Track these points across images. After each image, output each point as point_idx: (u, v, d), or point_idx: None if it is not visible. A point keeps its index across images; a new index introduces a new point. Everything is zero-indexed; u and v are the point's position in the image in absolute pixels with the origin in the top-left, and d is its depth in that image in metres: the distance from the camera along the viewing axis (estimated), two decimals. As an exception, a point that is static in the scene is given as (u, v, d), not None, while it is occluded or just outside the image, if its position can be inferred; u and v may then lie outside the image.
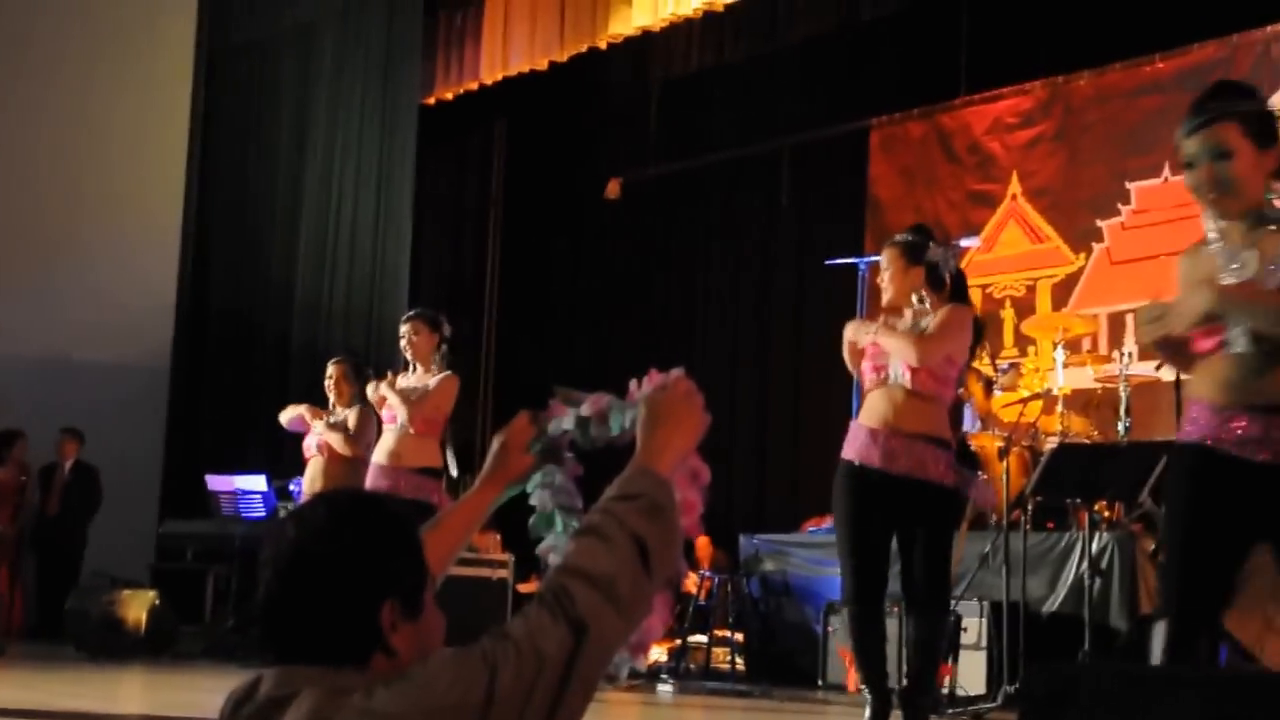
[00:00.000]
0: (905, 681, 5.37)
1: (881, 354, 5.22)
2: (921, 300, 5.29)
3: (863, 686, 5.24)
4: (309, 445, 8.06)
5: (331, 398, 8.07)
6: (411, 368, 7.30)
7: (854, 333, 5.36)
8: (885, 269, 5.37)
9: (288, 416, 8.26)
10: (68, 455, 11.42)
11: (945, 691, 6.43)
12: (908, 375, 5.13)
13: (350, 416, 7.77)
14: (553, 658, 1.77)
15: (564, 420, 2.50)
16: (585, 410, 2.51)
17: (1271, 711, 2.01)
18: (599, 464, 2.67)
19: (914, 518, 5.12)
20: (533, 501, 2.55)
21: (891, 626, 5.49)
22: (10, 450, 11.20)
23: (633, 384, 2.51)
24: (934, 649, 5.26)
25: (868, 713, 5.12)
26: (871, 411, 5.22)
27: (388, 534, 1.89)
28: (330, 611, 1.84)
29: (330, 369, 8.16)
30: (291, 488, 8.89)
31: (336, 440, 7.79)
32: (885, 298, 5.38)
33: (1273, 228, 3.34)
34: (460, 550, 2.48)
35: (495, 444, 2.49)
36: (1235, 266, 3.39)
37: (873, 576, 5.14)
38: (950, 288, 5.33)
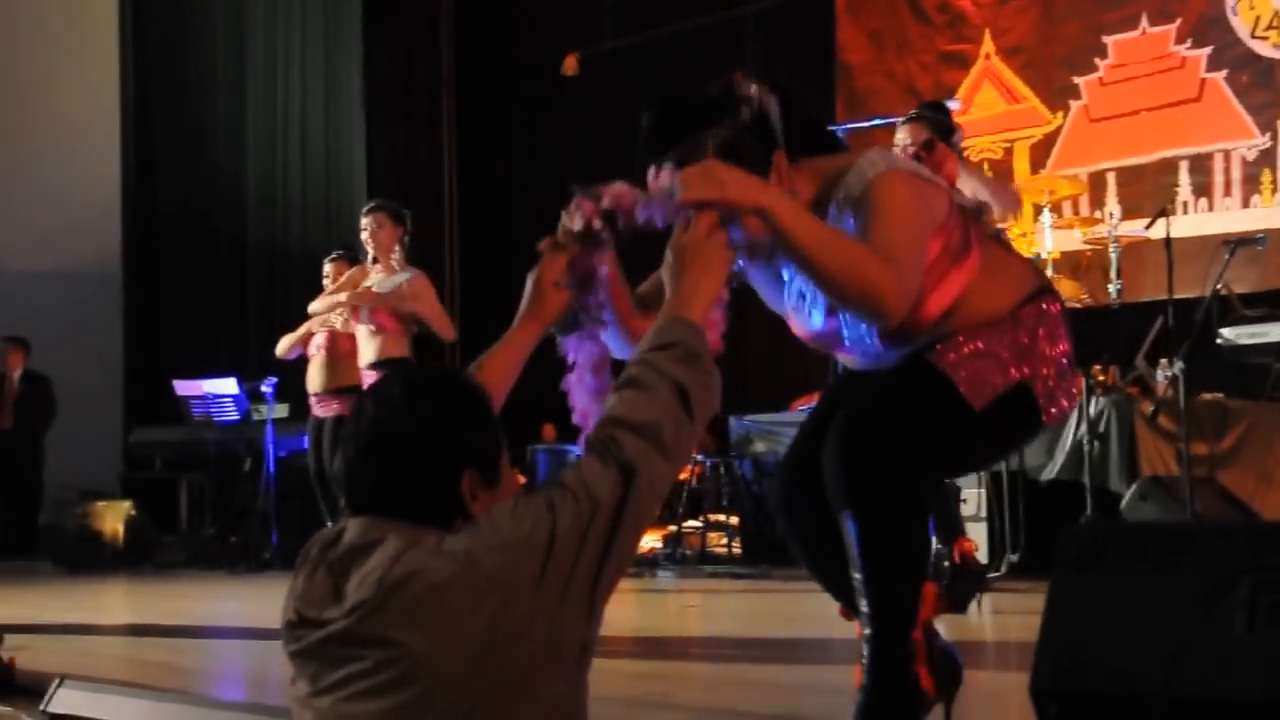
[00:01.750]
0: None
1: None
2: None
3: None
4: (310, 348, 7.81)
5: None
6: (371, 260, 7.13)
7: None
8: (907, 144, 5.31)
9: (284, 347, 8.00)
10: (14, 366, 11.05)
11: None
12: None
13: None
14: (605, 501, 1.92)
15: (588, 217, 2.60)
16: (607, 202, 2.60)
17: None
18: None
19: None
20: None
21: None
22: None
23: (650, 172, 2.58)
24: None
25: None
26: None
27: (464, 407, 2.01)
28: (414, 484, 1.94)
29: (327, 267, 7.94)
30: (264, 389, 8.64)
31: (323, 307, 7.55)
32: None
33: None
34: (506, 391, 2.62)
35: (529, 283, 2.67)
36: None
37: None
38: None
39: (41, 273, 11.90)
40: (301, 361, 7.93)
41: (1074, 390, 2.79)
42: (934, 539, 5.99)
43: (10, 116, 11.97)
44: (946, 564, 5.79)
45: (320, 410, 7.68)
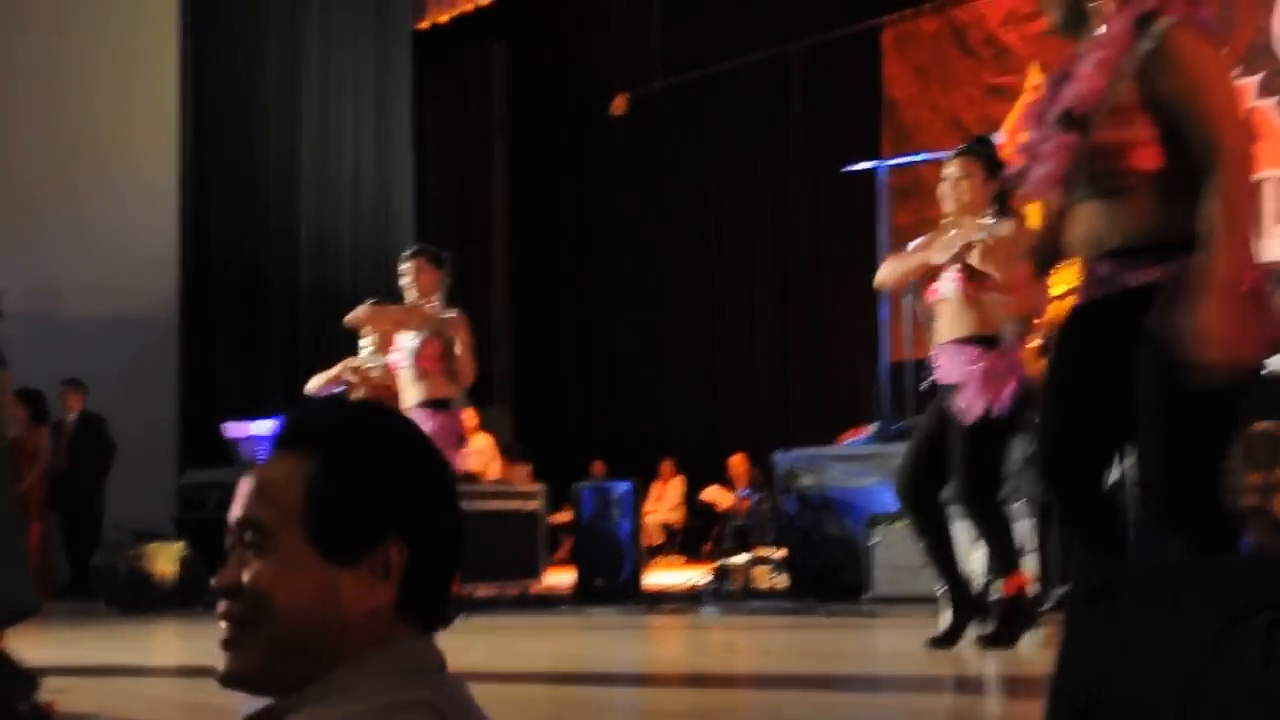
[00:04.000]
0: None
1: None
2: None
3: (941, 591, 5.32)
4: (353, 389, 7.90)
5: (362, 343, 7.94)
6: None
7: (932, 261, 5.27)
8: (959, 179, 5.26)
9: (316, 385, 8.08)
10: (72, 407, 11.22)
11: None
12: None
13: (388, 364, 7.51)
14: None
15: None
16: None
17: None
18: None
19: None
20: None
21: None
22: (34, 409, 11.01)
23: None
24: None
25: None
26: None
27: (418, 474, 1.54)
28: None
29: (405, 265, 7.97)
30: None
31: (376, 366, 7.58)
32: (949, 206, 5.29)
33: None
34: None
35: None
36: None
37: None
38: (999, 202, 5.28)
39: (100, 318, 12.04)
40: None
41: None
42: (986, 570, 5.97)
43: (71, 165, 12.15)
44: (995, 598, 5.73)
45: None
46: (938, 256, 5.21)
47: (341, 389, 8.11)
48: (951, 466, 5.12)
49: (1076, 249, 3.07)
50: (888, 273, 5.52)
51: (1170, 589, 2.14)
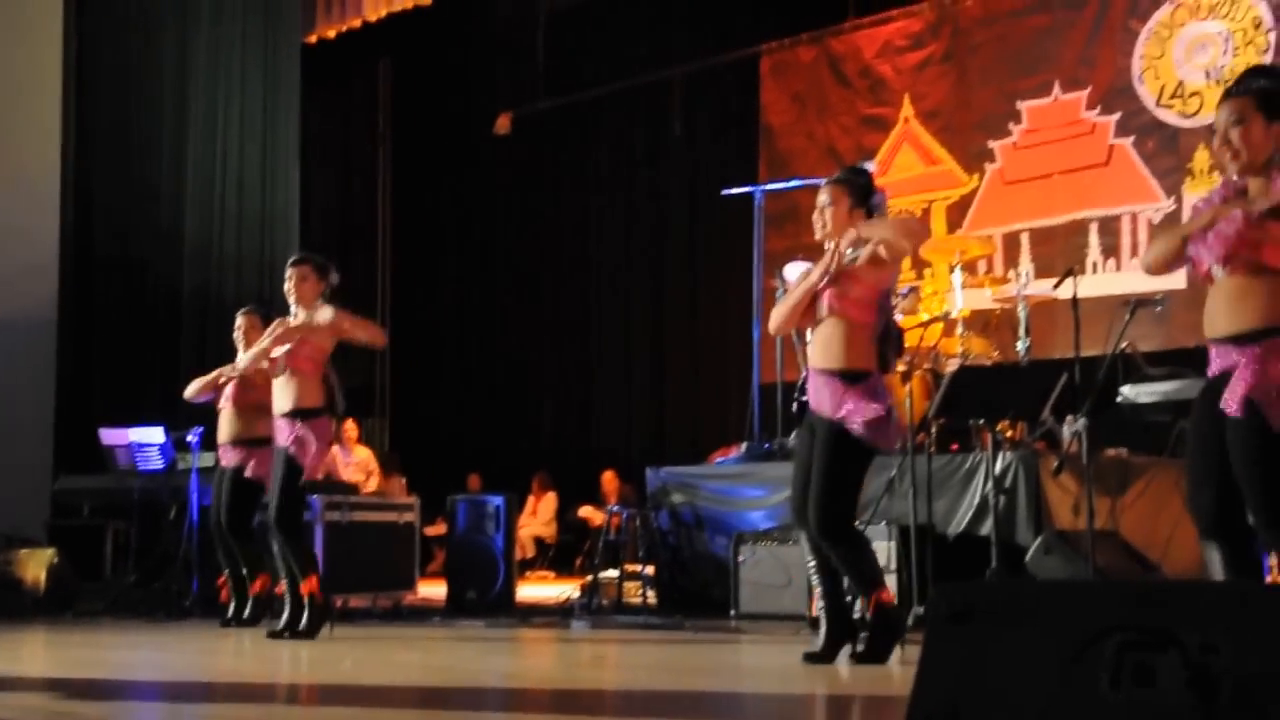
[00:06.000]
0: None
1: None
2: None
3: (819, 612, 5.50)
4: (221, 399, 7.94)
5: (240, 349, 7.94)
6: (294, 314, 7.16)
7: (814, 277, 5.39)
8: (826, 206, 5.40)
9: (193, 390, 8.12)
10: (-61, 411, 11.06)
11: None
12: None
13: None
14: None
15: None
16: None
17: (1159, 616, 2.09)
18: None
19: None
20: None
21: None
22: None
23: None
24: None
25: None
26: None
27: None
28: None
29: (239, 319, 8.02)
30: (190, 438, 8.71)
31: (249, 359, 7.60)
32: (819, 233, 5.43)
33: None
34: None
35: None
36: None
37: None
38: None
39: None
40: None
41: None
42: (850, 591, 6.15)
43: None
44: (860, 616, 5.91)
45: (224, 459, 7.83)
46: (815, 276, 5.33)
47: (212, 398, 8.13)
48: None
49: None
50: (778, 318, 5.53)
51: (1023, 612, 2.25)
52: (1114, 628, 2.09)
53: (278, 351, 7.03)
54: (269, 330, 7.28)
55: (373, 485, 11.91)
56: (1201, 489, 3.99)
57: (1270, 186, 3.94)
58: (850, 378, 5.23)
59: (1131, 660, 2.05)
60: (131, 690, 5.28)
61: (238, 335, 8.00)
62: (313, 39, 13.37)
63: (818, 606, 5.55)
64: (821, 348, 5.31)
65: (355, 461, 12.50)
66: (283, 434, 6.93)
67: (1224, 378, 3.94)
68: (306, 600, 6.79)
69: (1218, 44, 10.26)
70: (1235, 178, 4.05)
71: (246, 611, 7.74)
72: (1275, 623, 2.02)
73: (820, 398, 5.28)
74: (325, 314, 7.03)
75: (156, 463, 9.11)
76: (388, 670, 5.71)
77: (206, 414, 8.45)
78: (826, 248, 5.40)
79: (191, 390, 8.17)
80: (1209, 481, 3.96)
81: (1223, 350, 3.97)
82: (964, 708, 2.17)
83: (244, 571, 7.77)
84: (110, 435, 9.36)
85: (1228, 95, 4.04)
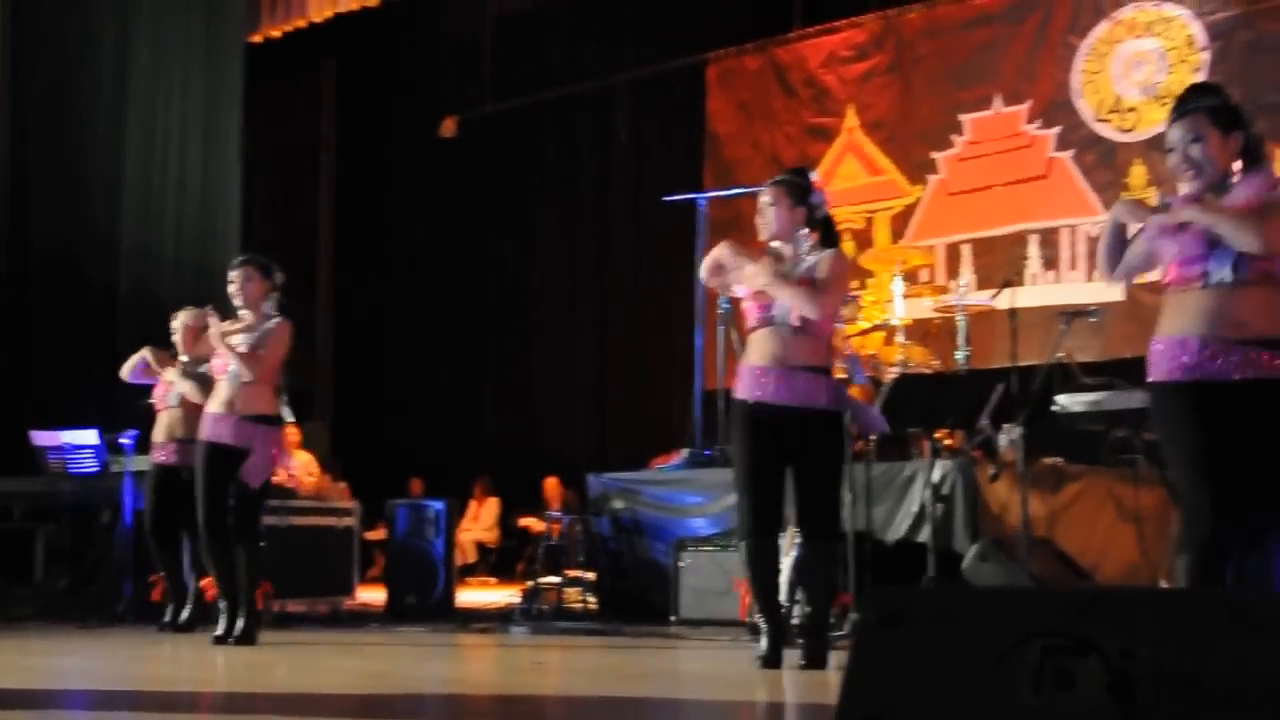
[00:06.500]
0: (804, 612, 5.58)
1: (766, 295, 5.35)
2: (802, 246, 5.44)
3: (758, 617, 5.49)
4: (160, 396, 7.84)
5: (180, 349, 7.87)
6: (241, 316, 7.08)
7: (741, 272, 5.40)
8: (768, 206, 5.48)
9: (129, 367, 8.03)
10: None
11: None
12: (794, 315, 5.30)
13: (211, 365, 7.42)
14: None
15: None
16: None
17: (1081, 622, 2.12)
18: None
19: (806, 447, 5.33)
20: None
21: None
22: None
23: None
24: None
25: (764, 642, 5.34)
26: (759, 350, 5.40)
27: None
28: None
29: (178, 318, 7.94)
30: (124, 441, 8.60)
31: (191, 390, 7.57)
32: (764, 234, 5.51)
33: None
34: None
35: None
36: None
37: (769, 509, 5.36)
38: (822, 230, 5.53)
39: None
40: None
41: None
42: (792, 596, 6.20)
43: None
44: (797, 623, 5.94)
45: (161, 456, 7.75)
46: (758, 279, 5.36)
47: (151, 383, 8.00)
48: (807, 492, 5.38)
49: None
50: (721, 253, 5.55)
51: (950, 617, 2.28)
52: (1037, 633, 2.12)
53: (227, 359, 6.96)
54: (225, 326, 7.11)
55: (310, 488, 11.85)
56: (1204, 491, 3.92)
57: (1237, 194, 4.04)
58: (828, 374, 5.42)
59: (1053, 665, 2.08)
60: (60, 699, 5.21)
61: (175, 335, 7.93)
62: (257, 38, 13.28)
63: (752, 611, 5.60)
64: (799, 348, 5.34)
65: (296, 466, 12.42)
66: (243, 439, 6.83)
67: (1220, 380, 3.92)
68: (255, 608, 6.74)
69: (1153, 61, 10.39)
70: (1188, 193, 4.12)
71: (184, 615, 7.67)
72: (1192, 627, 2.05)
73: (804, 392, 5.33)
74: (273, 324, 6.98)
75: (90, 466, 9.00)
76: (324, 676, 5.68)
77: (141, 416, 8.36)
78: (771, 247, 5.48)
79: (127, 368, 8.07)
80: (1212, 484, 3.90)
81: (1236, 350, 3.93)
82: (890, 712, 2.19)
83: (194, 573, 7.68)
84: (42, 437, 9.23)
85: (1181, 114, 4.12)
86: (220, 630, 6.78)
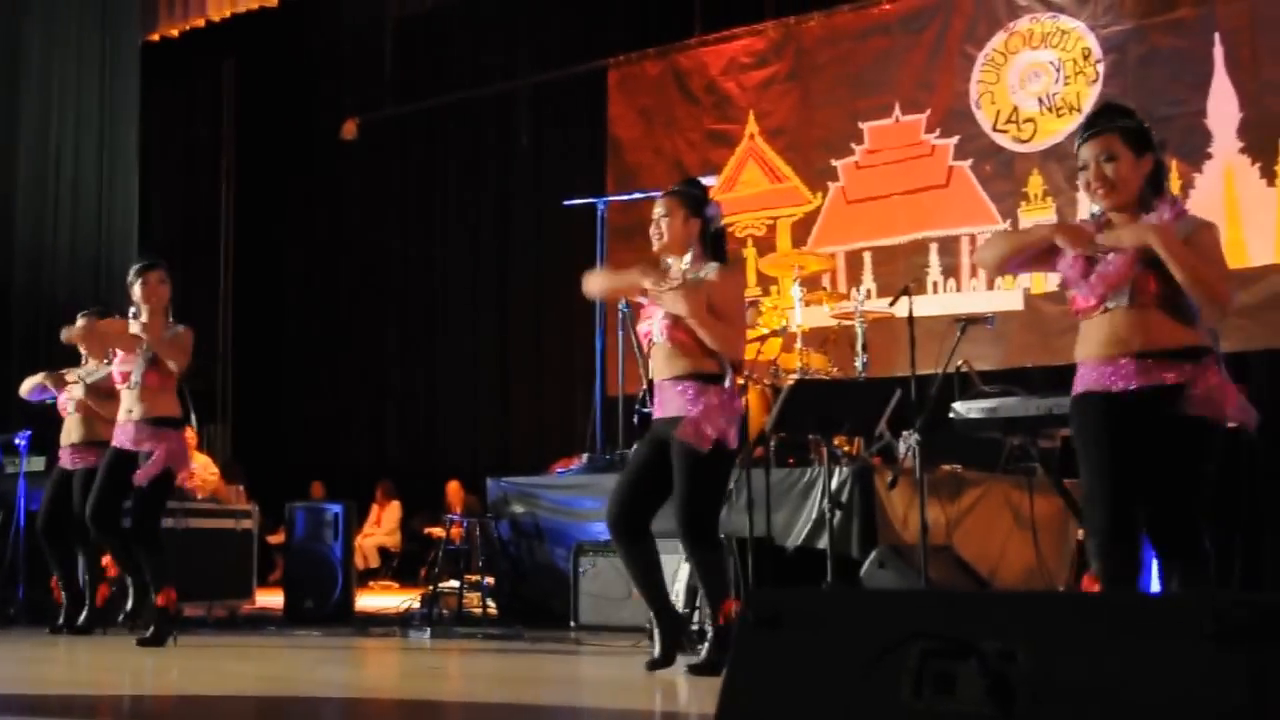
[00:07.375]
0: None
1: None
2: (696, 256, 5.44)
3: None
4: (64, 404, 7.76)
5: (84, 352, 7.78)
6: (140, 318, 7.01)
7: (642, 284, 5.40)
8: (662, 217, 5.46)
9: (28, 388, 7.95)
10: None
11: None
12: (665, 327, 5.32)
13: (113, 373, 7.33)
14: None
15: None
16: None
17: (961, 625, 2.13)
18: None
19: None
20: None
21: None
22: None
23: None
24: None
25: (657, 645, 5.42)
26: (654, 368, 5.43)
27: None
28: None
29: (80, 322, 7.83)
30: (18, 442, 8.47)
31: (94, 401, 7.59)
32: (658, 245, 5.48)
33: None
34: None
35: None
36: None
37: (628, 510, 5.43)
38: (713, 244, 5.51)
39: None
40: (57, 414, 7.87)
41: None
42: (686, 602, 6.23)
43: None
44: (698, 628, 5.97)
45: (74, 461, 7.65)
46: (646, 283, 5.36)
47: (51, 398, 7.95)
48: (672, 497, 5.29)
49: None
50: (596, 283, 5.74)
51: (830, 619, 2.28)
52: (917, 636, 2.12)
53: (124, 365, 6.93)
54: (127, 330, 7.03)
55: (208, 491, 11.70)
56: (1120, 502, 3.97)
57: (1153, 218, 4.07)
58: (703, 379, 5.35)
59: (933, 668, 2.08)
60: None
61: (71, 337, 7.82)
62: (155, 37, 13.09)
63: (648, 616, 5.60)
64: (668, 359, 5.37)
65: (195, 468, 12.26)
66: (143, 442, 6.85)
67: (1143, 392, 3.99)
68: (160, 610, 6.71)
69: (1050, 72, 10.56)
70: (1099, 212, 4.17)
71: (81, 619, 7.58)
72: (1071, 631, 2.07)
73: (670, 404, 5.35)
74: (180, 329, 6.96)
75: (-20, 468, 8.85)
76: (219, 680, 5.63)
77: (35, 417, 8.23)
78: (664, 262, 5.48)
79: (26, 389, 8.01)
80: (1127, 494, 3.97)
81: (1142, 366, 4.00)
82: (769, 713, 2.19)
83: (88, 577, 7.62)
84: (-71, 439, 9.06)
85: (1094, 133, 4.12)
86: (129, 607, 6.95)
